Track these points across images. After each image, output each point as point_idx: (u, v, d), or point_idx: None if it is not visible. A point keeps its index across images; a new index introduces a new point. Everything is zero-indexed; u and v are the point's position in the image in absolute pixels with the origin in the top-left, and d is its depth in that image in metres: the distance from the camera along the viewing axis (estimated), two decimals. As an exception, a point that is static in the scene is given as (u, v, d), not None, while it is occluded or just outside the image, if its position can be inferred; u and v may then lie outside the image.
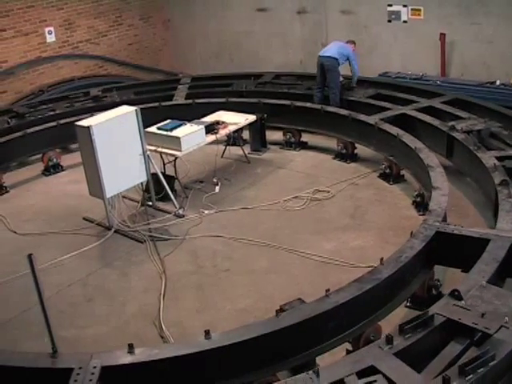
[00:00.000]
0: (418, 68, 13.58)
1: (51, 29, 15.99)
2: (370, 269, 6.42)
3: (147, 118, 10.22)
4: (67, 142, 12.68)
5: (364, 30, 14.71)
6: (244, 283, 8.12)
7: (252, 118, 11.78)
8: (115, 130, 9.30)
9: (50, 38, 16.00)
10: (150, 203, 10.35)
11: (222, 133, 11.10)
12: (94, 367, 5.07)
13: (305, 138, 12.57)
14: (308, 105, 12.35)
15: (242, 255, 8.81)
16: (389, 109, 11.72)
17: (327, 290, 5.87)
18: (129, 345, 5.33)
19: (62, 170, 12.52)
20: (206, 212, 10.06)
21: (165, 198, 10.35)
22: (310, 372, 4.57)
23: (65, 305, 7.99)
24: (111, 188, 9.41)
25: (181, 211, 10.05)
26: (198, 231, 9.50)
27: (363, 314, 6.15)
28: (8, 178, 12.05)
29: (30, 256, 5.19)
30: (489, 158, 8.92)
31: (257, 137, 12.45)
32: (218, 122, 11.11)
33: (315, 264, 8.38)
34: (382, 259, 6.38)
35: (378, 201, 10.04)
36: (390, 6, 14.04)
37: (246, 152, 12.20)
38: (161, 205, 10.36)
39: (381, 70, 14.10)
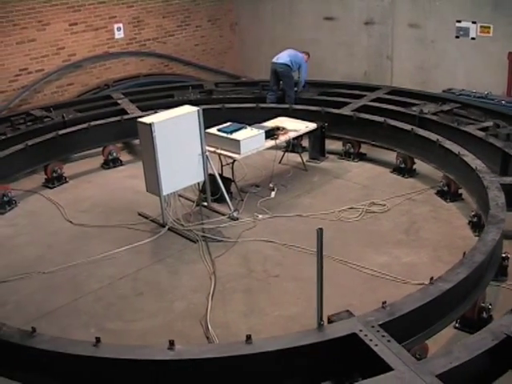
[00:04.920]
0: (483, 86, 13.34)
1: (120, 25, 16.24)
2: (421, 286, 6.36)
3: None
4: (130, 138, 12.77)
5: (430, 44, 14.54)
6: (293, 290, 8.11)
7: (312, 125, 11.77)
8: (176, 129, 9.39)
9: (119, 35, 16.26)
10: (205, 204, 10.41)
11: (282, 139, 11.09)
12: (373, 326, 5.34)
13: (363, 149, 12.49)
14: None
15: (292, 262, 8.80)
16: (348, 103, 12.96)
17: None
18: (383, 302, 5.75)
19: (121, 165, 12.68)
20: (260, 216, 10.08)
21: (220, 200, 10.39)
22: None
23: (114, 297, 8.12)
24: (168, 186, 9.51)
25: (235, 214, 10.07)
26: (250, 235, 9.52)
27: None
28: (68, 169, 12.28)
29: (320, 230, 5.31)
30: (474, 131, 10.40)
31: (316, 145, 12.39)
32: (278, 128, 11.14)
33: (365, 277, 8.32)
34: (431, 278, 6.31)
35: (433, 218, 9.89)
36: (459, 22, 13.86)
37: (304, 160, 12.18)
38: (216, 206, 10.41)
39: (445, 86, 13.91)
